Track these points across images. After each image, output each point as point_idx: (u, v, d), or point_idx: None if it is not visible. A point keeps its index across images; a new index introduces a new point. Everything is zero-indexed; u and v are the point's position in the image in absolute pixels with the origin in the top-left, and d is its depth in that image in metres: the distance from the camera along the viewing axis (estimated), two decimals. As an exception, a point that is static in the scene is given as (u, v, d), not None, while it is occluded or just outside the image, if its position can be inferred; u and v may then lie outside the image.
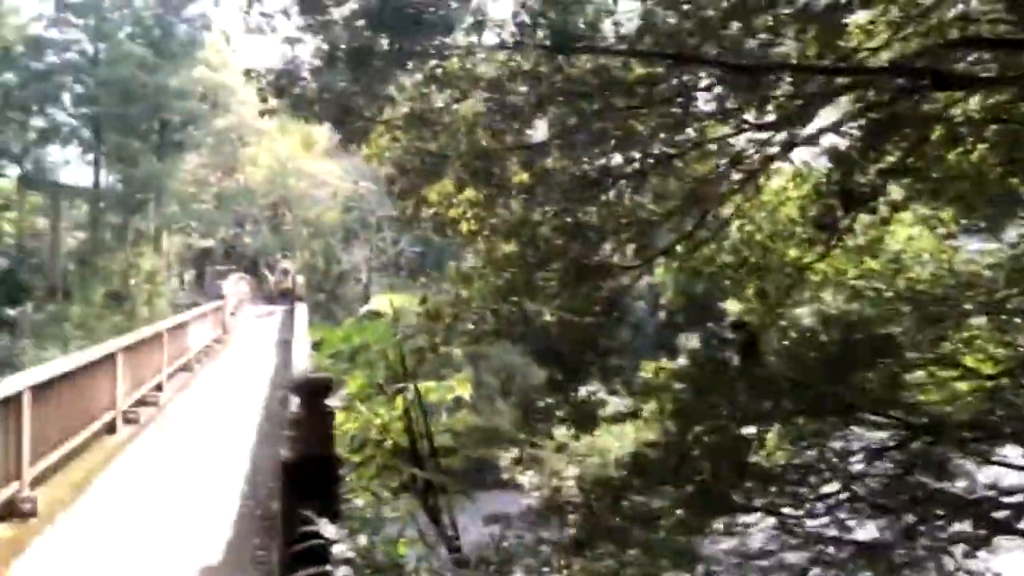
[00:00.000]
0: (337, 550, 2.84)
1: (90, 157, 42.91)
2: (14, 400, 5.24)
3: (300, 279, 23.78)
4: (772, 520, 9.93)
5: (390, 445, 6.13)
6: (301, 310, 15.98)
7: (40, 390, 5.76)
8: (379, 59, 5.81)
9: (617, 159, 7.23)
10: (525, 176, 6.36)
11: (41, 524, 5.35)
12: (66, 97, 42.11)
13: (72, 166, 44.84)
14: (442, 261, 52.77)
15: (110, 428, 8.04)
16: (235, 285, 23.38)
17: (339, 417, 5.90)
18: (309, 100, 6.04)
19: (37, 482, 5.72)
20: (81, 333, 34.90)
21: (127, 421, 8.62)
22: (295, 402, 3.06)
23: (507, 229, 6.41)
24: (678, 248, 8.60)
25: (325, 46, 6.23)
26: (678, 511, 8.20)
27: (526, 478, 8.78)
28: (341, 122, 6.09)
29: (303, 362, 6.93)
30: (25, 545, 4.96)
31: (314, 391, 3.00)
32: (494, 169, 5.81)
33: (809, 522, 9.83)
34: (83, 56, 41.44)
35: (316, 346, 8.69)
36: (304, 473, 2.99)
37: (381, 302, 8.11)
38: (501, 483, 13.94)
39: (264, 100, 6.64)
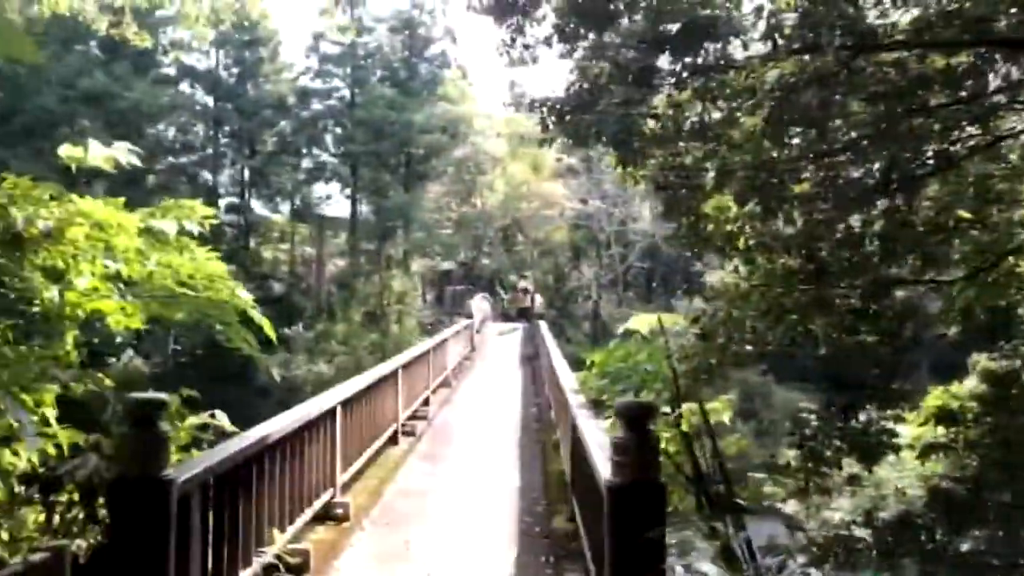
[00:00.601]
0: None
1: (347, 191, 47.87)
2: (330, 414, 5.80)
3: (539, 298, 24.45)
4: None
5: (672, 469, 5.96)
6: (543, 328, 16.35)
7: (345, 405, 6.34)
8: (658, 77, 5.73)
9: (906, 162, 6.50)
10: (806, 186, 5.92)
11: (352, 527, 5.85)
12: (328, 139, 47.47)
13: (333, 200, 50.14)
14: (669, 278, 52.03)
15: (392, 439, 8.69)
16: (479, 304, 24.63)
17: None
18: (587, 124, 6.09)
19: (343, 489, 6.27)
20: (344, 349, 38.79)
21: (404, 433, 9.28)
22: (619, 427, 2.98)
23: (787, 242, 6.00)
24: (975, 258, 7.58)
25: (597, 69, 6.27)
26: (994, 559, 7.13)
27: (797, 508, 8.14)
28: (624, 142, 6.08)
29: (570, 381, 6.99)
30: (345, 546, 5.43)
31: (640, 416, 2.90)
32: (775, 180, 5.46)
33: None
34: (342, 101, 46.44)
35: (583, 365, 8.74)
36: (632, 499, 2.90)
37: (641, 320, 7.98)
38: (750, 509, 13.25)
39: (545, 128, 6.81)
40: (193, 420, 4.41)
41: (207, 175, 47.21)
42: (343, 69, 46.18)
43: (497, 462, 8.67)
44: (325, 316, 43.75)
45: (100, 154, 4.67)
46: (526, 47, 7.85)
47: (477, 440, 9.90)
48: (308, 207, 48.71)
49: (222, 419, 4.63)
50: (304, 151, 47.52)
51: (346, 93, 46.21)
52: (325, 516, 5.76)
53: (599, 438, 4.21)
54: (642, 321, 7.97)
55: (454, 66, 46.02)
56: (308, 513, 5.27)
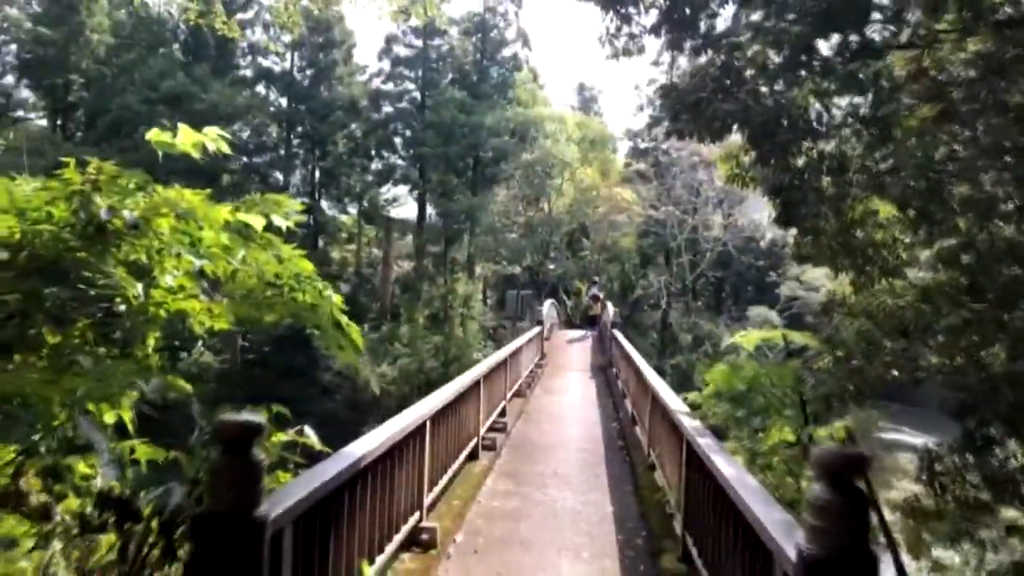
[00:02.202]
0: None
1: (415, 194, 47.99)
2: (419, 430, 5.31)
3: (611, 306, 23.71)
4: None
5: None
6: (621, 339, 15.65)
7: (435, 420, 5.85)
8: (819, 60, 5.05)
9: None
10: (964, 188, 5.14)
11: (439, 555, 5.34)
12: (398, 141, 47.70)
13: (400, 202, 50.40)
14: (740, 288, 50.48)
15: (473, 454, 8.18)
16: (548, 310, 24.05)
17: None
18: (724, 113, 5.46)
19: (428, 511, 5.77)
20: (408, 351, 38.79)
21: (485, 447, 8.76)
22: (818, 481, 2.35)
23: (946, 255, 5.24)
24: None
25: (748, 51, 5.59)
26: None
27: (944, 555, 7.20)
28: (771, 133, 5.44)
29: (676, 402, 6.34)
30: (433, 579, 4.92)
31: (846, 469, 2.28)
32: (943, 181, 4.73)
33: None
34: (412, 104, 46.61)
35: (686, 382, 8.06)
36: (834, 572, 2.28)
37: (748, 336, 7.27)
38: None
39: (675, 118, 6.20)
40: (281, 437, 3.96)
41: (279, 175, 47.95)
42: (415, 72, 46.36)
43: (584, 482, 8.07)
44: (389, 317, 43.94)
45: (189, 139, 4.28)
46: (632, 36, 7.28)
47: (559, 456, 9.31)
48: (376, 209, 49.06)
49: (311, 436, 4.17)
50: (374, 153, 47.88)
51: (417, 96, 46.36)
52: (411, 542, 5.27)
53: (750, 483, 3.58)
54: (749, 337, 7.24)
55: (525, 69, 45.66)
56: (396, 540, 4.78)
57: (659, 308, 41.64)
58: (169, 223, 4.04)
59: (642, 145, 52.40)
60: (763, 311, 40.76)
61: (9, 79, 44.74)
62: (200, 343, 38.77)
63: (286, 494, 3.09)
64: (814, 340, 6.50)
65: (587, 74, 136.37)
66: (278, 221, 4.56)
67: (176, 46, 46.61)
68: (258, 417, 2.58)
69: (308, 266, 4.66)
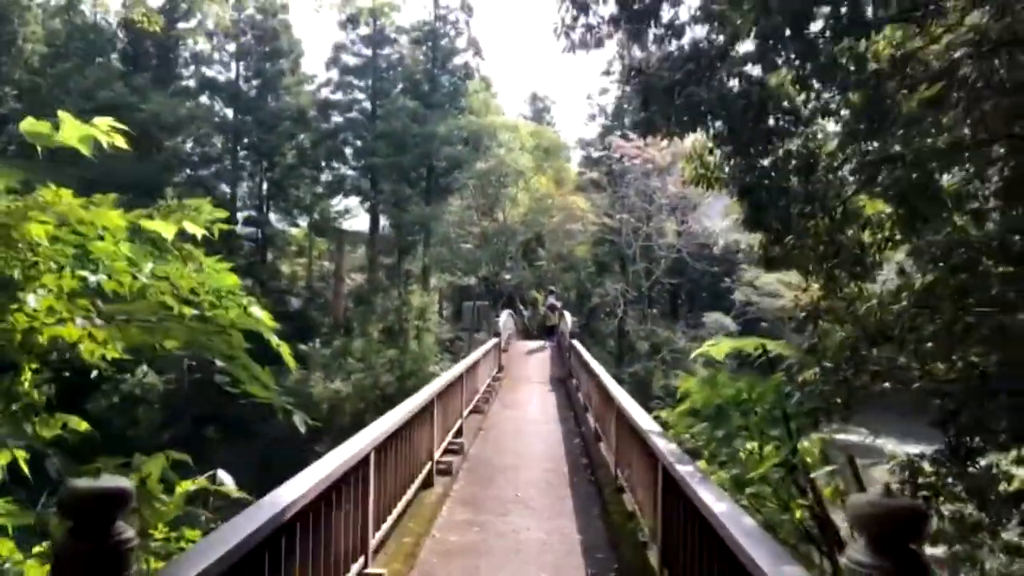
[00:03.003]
0: None
1: (367, 205, 47.05)
2: (362, 463, 4.65)
3: (568, 316, 23.22)
4: None
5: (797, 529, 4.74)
6: (580, 349, 15.13)
7: (380, 450, 5.20)
8: (802, 42, 4.56)
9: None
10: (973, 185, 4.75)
11: (386, 608, 4.68)
12: (348, 152, 46.74)
13: (352, 214, 49.40)
14: (695, 294, 50.65)
15: (427, 481, 7.53)
16: (505, 321, 23.47)
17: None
18: (698, 102, 4.96)
19: (375, 554, 5.11)
20: (361, 366, 37.77)
21: (440, 471, 8.11)
22: (861, 541, 1.80)
23: (941, 250, 4.79)
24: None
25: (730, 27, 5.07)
26: None
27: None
28: (756, 119, 4.96)
29: (645, 420, 5.81)
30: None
31: (900, 528, 1.73)
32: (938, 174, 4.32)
33: None
34: (362, 114, 45.76)
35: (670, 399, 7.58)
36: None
37: (718, 346, 6.79)
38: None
39: (645, 106, 5.68)
40: (185, 487, 3.29)
41: (225, 188, 46.55)
42: (364, 81, 45.55)
43: (548, 507, 7.48)
44: (343, 332, 42.83)
45: (74, 132, 3.57)
46: (589, 28, 6.79)
47: (521, 478, 8.70)
48: (327, 221, 48.02)
49: (226, 481, 3.50)
50: (324, 164, 46.84)
51: (367, 105, 45.56)
52: (353, 595, 4.60)
53: (747, 524, 3.04)
54: (719, 346, 6.76)
55: (477, 77, 45.20)
56: (334, 596, 4.12)
57: (615, 316, 41.36)
58: (47, 231, 3.35)
59: (595, 154, 52.44)
60: (718, 317, 40.84)
61: (-67, 91, 42.56)
62: (143, 366, 37.27)
63: (179, 566, 2.41)
64: (789, 349, 6.04)
65: (540, 84, 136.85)
66: (191, 229, 3.89)
67: (115, 55, 44.98)
68: (121, 482, 1.92)
69: (231, 279, 3.98)
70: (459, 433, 10.08)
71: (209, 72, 46.11)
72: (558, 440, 11.29)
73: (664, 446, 4.71)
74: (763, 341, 5.98)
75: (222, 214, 4.13)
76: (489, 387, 15.42)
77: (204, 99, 46.05)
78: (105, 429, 33.83)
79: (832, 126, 7.71)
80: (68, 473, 2.70)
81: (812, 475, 4.33)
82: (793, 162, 7.12)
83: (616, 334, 42.14)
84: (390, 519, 5.68)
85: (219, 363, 3.13)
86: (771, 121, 5.14)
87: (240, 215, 46.19)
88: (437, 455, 8.08)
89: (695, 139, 7.93)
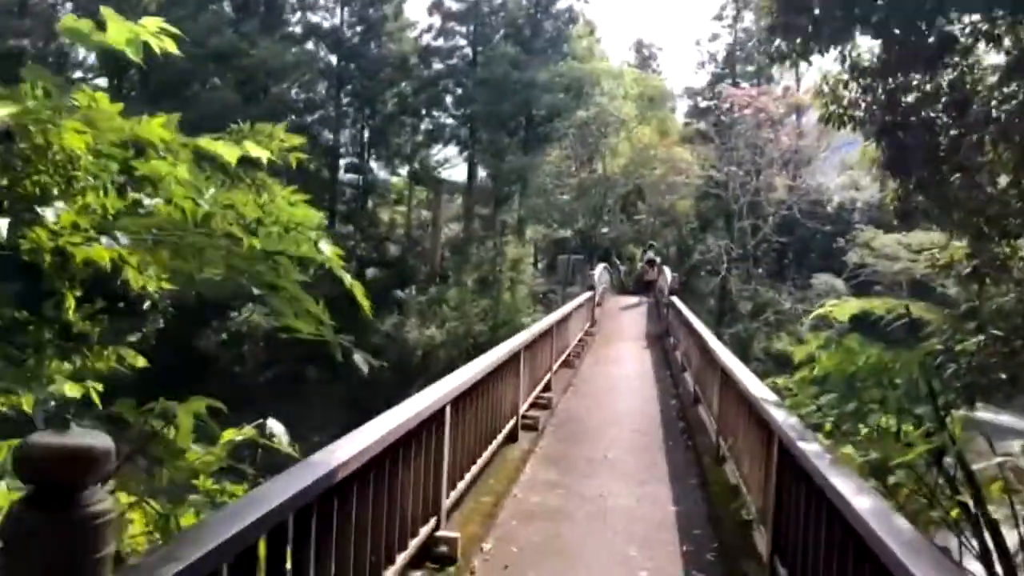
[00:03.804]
0: None
1: (465, 154, 46.78)
2: (436, 418, 4.22)
3: (668, 271, 22.27)
4: None
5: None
6: (682, 308, 14.31)
7: (457, 403, 4.75)
8: None
9: None
10: None
11: (459, 574, 4.27)
12: (448, 100, 46.38)
13: (451, 164, 49.34)
14: (802, 255, 48.03)
15: (511, 436, 7.11)
16: (601, 275, 22.77)
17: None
18: None
19: (449, 514, 4.71)
20: (456, 315, 37.98)
21: (525, 427, 7.68)
22: None
23: None
24: None
25: None
26: None
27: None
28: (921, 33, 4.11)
29: (757, 386, 5.12)
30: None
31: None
32: None
33: None
34: (463, 60, 45.17)
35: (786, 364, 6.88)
36: None
37: (843, 306, 5.96)
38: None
39: None
40: (231, 436, 2.90)
41: (328, 135, 47.19)
42: (466, 27, 44.84)
43: (640, 471, 6.93)
44: (439, 280, 43.13)
45: (121, 34, 3.16)
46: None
47: (611, 437, 8.18)
48: (426, 170, 48.09)
49: (278, 433, 3.10)
50: (424, 112, 46.69)
51: (468, 52, 44.92)
52: (425, 556, 4.21)
53: (902, 528, 2.39)
54: (844, 306, 5.91)
55: (581, 22, 43.65)
56: (400, 561, 3.73)
57: (718, 274, 39.71)
58: (86, 142, 2.97)
59: (703, 104, 50.06)
60: (828, 279, 38.62)
61: (66, 39, 44.78)
62: (250, 303, 38.72)
63: (205, 531, 1.99)
64: (934, 313, 5.17)
65: (646, 31, 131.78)
66: (256, 152, 3.45)
67: (225, 3, 45.97)
68: (93, 438, 1.48)
69: (306, 213, 3.53)
70: (547, 387, 9.63)
71: (314, 18, 46.50)
72: (652, 399, 10.68)
73: (781, 417, 4.04)
74: (902, 302, 5.14)
75: (297, 140, 3.69)
76: (581, 341, 14.88)
77: (309, 45, 46.59)
78: (214, 366, 35.57)
79: (994, 56, 6.68)
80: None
81: (972, 466, 3.57)
82: (944, 98, 6.15)
83: (717, 293, 40.59)
84: (468, 476, 5.27)
85: (256, 292, 2.68)
86: (945, 29, 4.20)
87: (342, 161, 46.89)
88: (523, 409, 7.64)
89: (826, 73, 7.02)
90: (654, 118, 42.32)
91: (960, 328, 4.46)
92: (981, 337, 4.22)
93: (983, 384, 4.05)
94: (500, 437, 6.50)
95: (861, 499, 2.68)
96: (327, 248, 3.44)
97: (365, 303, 3.41)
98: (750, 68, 48.55)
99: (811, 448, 3.40)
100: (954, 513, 3.64)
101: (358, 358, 2.96)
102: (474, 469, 5.48)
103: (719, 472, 6.50)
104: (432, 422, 4.14)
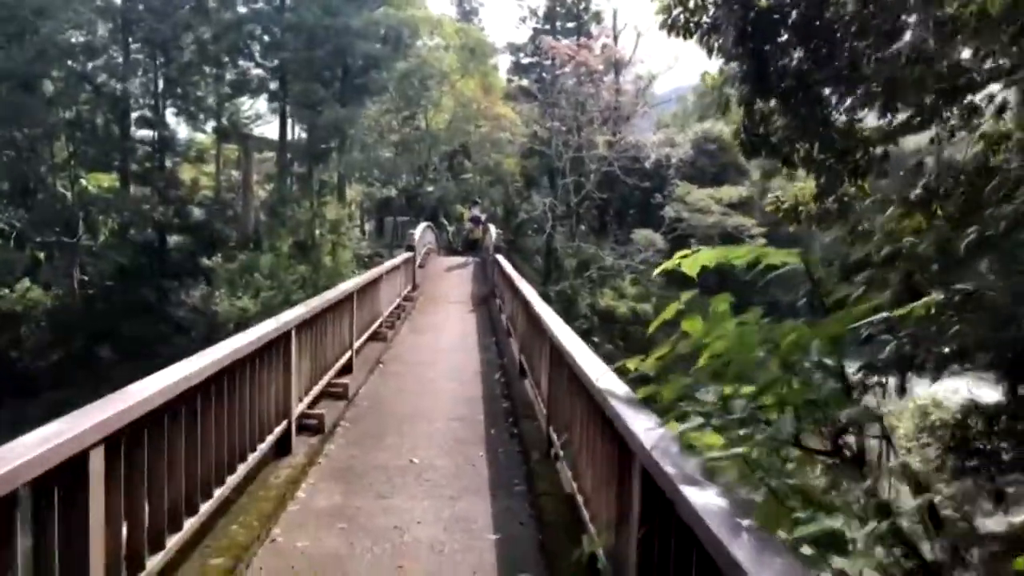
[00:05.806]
0: None
1: (277, 107, 42.89)
2: (110, 447, 2.36)
3: (493, 229, 21.02)
4: None
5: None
6: (505, 265, 13.01)
7: (176, 411, 2.94)
8: None
9: None
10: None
11: None
12: (255, 47, 42.09)
13: (263, 120, 45.30)
14: (623, 211, 48.92)
15: (280, 446, 5.36)
16: (423, 234, 21.11)
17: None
18: None
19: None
20: (270, 283, 34.90)
21: (303, 429, 5.95)
22: None
23: None
24: None
25: None
26: None
27: None
28: None
29: (594, 366, 3.77)
30: None
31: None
32: None
33: None
34: (269, 4, 41.03)
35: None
36: None
37: (693, 258, 4.76)
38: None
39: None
40: None
41: (116, 84, 41.38)
42: (271, -35, 40.66)
43: (454, 480, 5.47)
44: (252, 246, 39.50)
45: None
46: None
47: (422, 435, 6.64)
48: (235, 125, 43.65)
49: None
50: (227, 60, 42.05)
51: (274, -7, 40.81)
52: None
53: None
54: (697, 258, 4.66)
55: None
56: None
57: (543, 232, 39.38)
58: None
59: (525, 60, 49.36)
60: (648, 234, 39.48)
61: None
62: (25, 280, 33.48)
63: None
64: (793, 257, 4.03)
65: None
66: None
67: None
68: None
69: None
70: (347, 369, 7.91)
71: (89, -52, 40.26)
72: (475, 374, 9.27)
73: (645, 435, 2.64)
74: (771, 250, 3.91)
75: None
76: (399, 307, 13.24)
77: (82, -21, 40.29)
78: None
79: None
80: None
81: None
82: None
83: (544, 251, 40.30)
84: (191, 521, 3.48)
85: None
86: None
87: (134, 115, 41.38)
88: (300, 408, 5.89)
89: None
90: (477, 72, 40.80)
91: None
92: (935, 296, 3.07)
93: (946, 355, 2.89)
94: (258, 452, 4.73)
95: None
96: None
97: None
98: (570, 24, 48.31)
99: (691, 491, 1.98)
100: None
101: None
102: (208, 504, 3.70)
103: (550, 474, 5.16)
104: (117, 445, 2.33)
